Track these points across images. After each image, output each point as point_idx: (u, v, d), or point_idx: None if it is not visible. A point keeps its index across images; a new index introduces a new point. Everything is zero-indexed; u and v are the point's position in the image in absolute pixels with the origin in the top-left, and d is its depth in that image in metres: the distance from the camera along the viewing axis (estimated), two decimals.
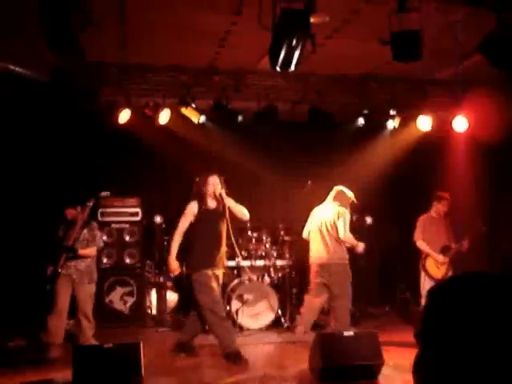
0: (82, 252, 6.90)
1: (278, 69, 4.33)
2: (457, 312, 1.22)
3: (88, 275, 6.99)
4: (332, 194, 7.67)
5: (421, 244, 7.88)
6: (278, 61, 4.22)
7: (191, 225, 6.75)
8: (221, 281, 6.91)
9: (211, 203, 6.81)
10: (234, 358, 6.59)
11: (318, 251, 7.56)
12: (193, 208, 6.73)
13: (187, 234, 6.80)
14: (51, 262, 6.87)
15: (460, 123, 8.37)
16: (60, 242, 6.92)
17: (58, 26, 3.75)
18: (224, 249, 6.89)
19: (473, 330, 1.19)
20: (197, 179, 6.94)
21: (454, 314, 1.22)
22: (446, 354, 1.21)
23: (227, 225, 6.85)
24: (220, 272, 6.82)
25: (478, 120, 8.29)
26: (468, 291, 1.25)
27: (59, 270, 6.79)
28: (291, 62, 4.24)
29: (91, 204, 7.00)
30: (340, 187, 7.66)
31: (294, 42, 4.09)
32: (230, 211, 6.75)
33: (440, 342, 1.23)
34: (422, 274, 7.91)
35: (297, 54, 4.20)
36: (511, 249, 8.26)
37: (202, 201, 6.76)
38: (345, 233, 7.39)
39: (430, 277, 7.83)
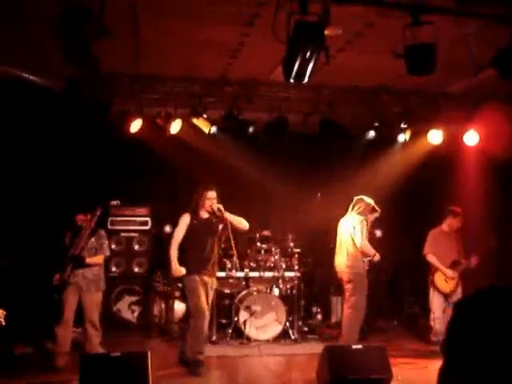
0: (89, 260, 6.91)
1: (291, 80, 4.34)
2: (483, 325, 1.22)
3: (95, 283, 7.00)
4: (352, 203, 7.73)
5: (431, 258, 7.86)
6: (291, 72, 4.23)
7: (184, 235, 7.07)
8: (213, 288, 7.19)
9: (203, 215, 7.12)
10: (194, 368, 6.75)
11: (337, 262, 7.78)
12: (185, 220, 7.08)
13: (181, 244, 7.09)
14: (58, 270, 6.89)
15: (471, 137, 8.36)
16: (67, 250, 6.93)
17: (73, 36, 3.79)
18: (215, 258, 7.15)
19: (498, 343, 1.18)
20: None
21: (480, 327, 1.22)
22: (472, 366, 1.21)
23: (226, 235, 7.12)
24: (210, 280, 7.07)
25: (489, 134, 8.27)
26: (494, 305, 1.25)
27: (66, 279, 6.80)
28: (305, 74, 4.25)
29: (99, 213, 7.02)
30: (359, 196, 7.73)
31: (308, 54, 4.10)
32: (231, 224, 6.99)
33: (465, 354, 1.23)
34: (431, 288, 7.87)
35: (310, 65, 4.21)
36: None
37: (195, 213, 7.10)
38: (362, 241, 7.47)
39: (439, 291, 7.81)
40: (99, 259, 7.05)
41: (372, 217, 7.77)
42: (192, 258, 7.01)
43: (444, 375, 1.28)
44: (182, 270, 6.93)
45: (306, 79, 4.33)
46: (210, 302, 7.12)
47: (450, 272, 7.76)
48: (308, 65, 4.19)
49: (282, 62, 4.36)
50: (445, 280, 7.80)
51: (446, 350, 1.28)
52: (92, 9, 3.87)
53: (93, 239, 7.01)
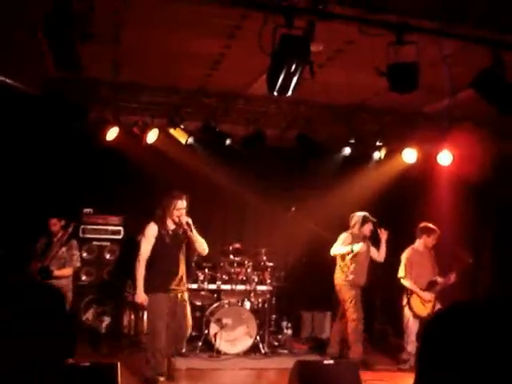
0: (57, 273, 6.83)
1: (275, 93, 4.36)
2: (453, 340, 1.24)
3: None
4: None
5: (407, 282, 7.78)
6: (276, 85, 4.26)
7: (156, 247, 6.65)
8: (183, 302, 6.74)
9: (171, 226, 6.74)
10: None
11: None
12: (152, 230, 6.64)
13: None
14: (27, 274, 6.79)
15: (445, 157, 8.48)
16: (36, 258, 6.82)
17: (59, 38, 3.75)
18: (183, 271, 6.78)
19: (468, 359, 1.20)
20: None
21: (451, 342, 1.24)
22: (441, 380, 1.23)
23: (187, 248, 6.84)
24: (178, 294, 6.68)
25: (462, 155, 8.41)
26: (464, 320, 1.27)
27: None
28: (289, 87, 4.28)
29: (71, 229, 6.95)
30: (353, 213, 8.17)
31: (293, 67, 4.14)
32: (192, 243, 6.70)
33: (435, 369, 1.25)
34: (407, 311, 7.79)
35: (295, 79, 4.24)
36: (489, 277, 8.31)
37: (162, 223, 6.67)
38: (332, 249, 7.91)
39: (415, 315, 7.70)
40: (68, 272, 6.96)
41: (367, 228, 7.96)
42: (158, 272, 6.59)
43: None
44: (146, 298, 6.52)
45: (290, 92, 4.36)
46: (180, 317, 6.68)
47: (426, 295, 7.69)
48: (292, 78, 4.22)
49: (266, 74, 4.39)
50: (421, 303, 7.71)
51: (418, 365, 1.30)
52: (78, 11, 3.84)
53: (63, 249, 6.91)
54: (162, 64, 7.06)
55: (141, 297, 6.55)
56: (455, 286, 7.88)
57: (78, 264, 7.18)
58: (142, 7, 5.35)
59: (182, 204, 6.66)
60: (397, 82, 4.66)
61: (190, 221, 6.60)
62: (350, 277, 7.85)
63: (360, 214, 8.01)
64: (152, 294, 6.55)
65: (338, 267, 8.01)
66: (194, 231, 6.63)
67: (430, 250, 8.01)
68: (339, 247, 7.89)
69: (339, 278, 7.95)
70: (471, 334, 1.23)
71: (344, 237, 7.92)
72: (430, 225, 7.97)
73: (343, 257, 7.90)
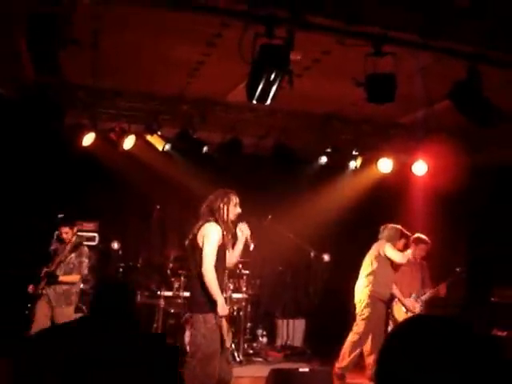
0: (62, 278, 6.79)
1: (254, 101, 4.40)
2: (410, 353, 1.27)
3: (66, 298, 6.84)
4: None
5: (393, 290, 7.60)
6: (255, 93, 4.29)
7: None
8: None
9: (227, 229, 5.46)
10: None
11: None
12: (218, 232, 5.23)
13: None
14: (32, 280, 6.79)
15: (419, 167, 8.60)
16: (47, 261, 6.83)
17: (41, 42, 3.73)
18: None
19: (424, 372, 1.23)
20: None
21: (408, 356, 1.27)
22: None
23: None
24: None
25: (436, 165, 8.54)
26: (422, 334, 1.30)
27: (39, 292, 6.68)
28: (268, 96, 4.32)
29: (75, 230, 6.96)
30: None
31: (273, 76, 4.17)
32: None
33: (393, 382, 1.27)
34: (389, 321, 7.61)
35: (274, 88, 4.28)
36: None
37: (224, 224, 5.35)
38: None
39: (396, 322, 7.56)
40: (75, 278, 6.90)
41: (400, 243, 7.65)
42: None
43: None
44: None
45: (269, 101, 4.39)
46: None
47: (409, 302, 7.60)
48: (272, 87, 4.26)
49: (246, 82, 4.41)
50: (405, 312, 7.59)
51: (377, 378, 1.33)
52: (60, 15, 3.83)
53: (73, 255, 6.85)
54: (140, 70, 7.05)
55: (224, 309, 5.12)
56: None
57: (86, 271, 7.13)
58: (121, 13, 5.34)
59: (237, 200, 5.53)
60: (374, 92, 4.72)
61: (249, 234, 5.51)
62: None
63: (396, 228, 7.69)
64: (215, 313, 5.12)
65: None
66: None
67: (420, 261, 7.83)
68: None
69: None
70: (429, 349, 1.26)
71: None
72: (422, 236, 7.74)
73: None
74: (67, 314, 6.86)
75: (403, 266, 7.67)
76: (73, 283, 6.90)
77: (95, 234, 8.89)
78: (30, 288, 6.80)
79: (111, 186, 9.09)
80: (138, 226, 8.97)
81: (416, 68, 5.48)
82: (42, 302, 6.77)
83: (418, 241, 7.71)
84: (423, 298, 7.71)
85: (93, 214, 8.96)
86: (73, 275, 6.86)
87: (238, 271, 8.86)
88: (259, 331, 9.37)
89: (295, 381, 6.04)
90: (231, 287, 8.72)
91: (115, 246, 8.97)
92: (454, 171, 8.35)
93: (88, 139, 7.91)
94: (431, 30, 4.31)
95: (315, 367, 7.29)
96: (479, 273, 8.69)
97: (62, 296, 6.82)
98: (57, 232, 7.00)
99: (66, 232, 6.87)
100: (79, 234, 8.76)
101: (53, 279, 6.72)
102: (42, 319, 6.71)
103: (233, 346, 8.33)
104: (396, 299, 7.66)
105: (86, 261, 7.03)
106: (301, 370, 6.21)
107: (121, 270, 8.55)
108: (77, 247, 6.86)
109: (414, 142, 8.63)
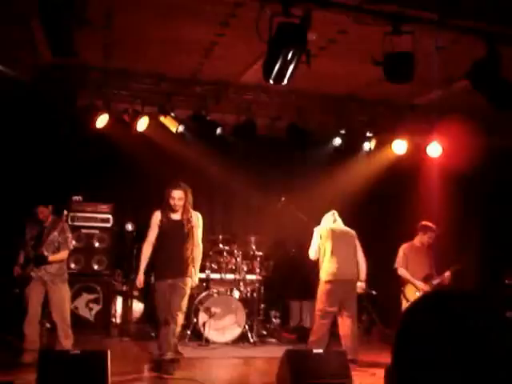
0: (52, 258, 6.74)
1: (271, 81, 4.36)
2: (428, 327, 1.25)
3: (60, 276, 6.84)
4: None
5: (402, 271, 7.71)
6: (271, 74, 4.25)
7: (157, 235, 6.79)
8: (185, 288, 6.61)
9: (174, 215, 6.75)
10: (166, 368, 6.53)
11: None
12: (156, 218, 6.77)
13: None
14: (18, 264, 6.72)
15: (434, 149, 8.53)
16: (27, 244, 6.76)
17: (57, 23, 3.71)
18: (187, 258, 6.67)
19: (442, 347, 1.21)
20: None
21: (426, 329, 1.25)
22: (416, 364, 1.24)
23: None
24: (181, 280, 6.56)
25: (451, 147, 8.47)
26: (440, 308, 1.28)
27: (28, 275, 6.64)
28: (285, 76, 4.27)
29: (64, 216, 6.92)
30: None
31: (290, 55, 4.12)
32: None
33: (411, 353, 1.26)
34: (403, 300, 7.73)
35: (291, 67, 4.24)
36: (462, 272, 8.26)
37: (164, 211, 6.77)
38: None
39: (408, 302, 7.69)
40: (63, 255, 6.88)
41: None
42: (162, 261, 6.71)
43: (390, 373, 1.33)
44: (142, 284, 6.76)
45: (286, 81, 4.35)
46: (177, 303, 6.53)
47: (420, 284, 7.62)
48: (289, 66, 4.21)
49: (263, 62, 4.37)
50: (416, 292, 7.59)
51: (394, 349, 1.32)
52: None
53: (55, 233, 6.81)
54: (153, 51, 7.01)
55: (139, 282, 6.74)
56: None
57: (72, 246, 7.11)
58: None
59: (176, 193, 6.65)
60: (393, 71, 4.66)
61: (191, 217, 6.72)
62: None
63: None
64: (157, 281, 6.76)
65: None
66: (199, 231, 6.80)
67: (427, 248, 7.83)
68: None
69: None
70: (449, 321, 1.24)
71: None
72: (429, 223, 7.76)
73: None
74: (64, 292, 6.90)
75: (411, 251, 7.76)
76: (61, 260, 6.90)
77: (109, 216, 8.91)
78: (16, 272, 6.71)
79: (125, 168, 9.09)
80: (152, 208, 8.95)
81: (433, 48, 5.40)
82: (32, 285, 6.67)
83: (426, 228, 7.74)
84: (434, 282, 7.73)
85: (107, 196, 8.98)
86: (61, 253, 6.85)
87: (251, 253, 8.88)
88: (272, 312, 9.39)
89: (310, 361, 6.04)
90: (245, 269, 8.76)
91: (129, 227, 9.00)
92: (469, 152, 8.28)
93: (102, 121, 7.91)
94: (450, 9, 4.25)
95: (329, 348, 7.30)
96: (492, 255, 8.65)
97: (56, 275, 6.78)
98: (30, 217, 6.93)
99: (42, 211, 6.80)
100: (94, 215, 8.86)
101: (42, 260, 6.69)
102: (36, 302, 6.69)
103: (246, 327, 8.39)
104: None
105: (70, 235, 7.02)
106: (315, 351, 6.22)
107: (135, 251, 8.57)
108: (56, 223, 6.83)
109: (428, 123, 8.55)
